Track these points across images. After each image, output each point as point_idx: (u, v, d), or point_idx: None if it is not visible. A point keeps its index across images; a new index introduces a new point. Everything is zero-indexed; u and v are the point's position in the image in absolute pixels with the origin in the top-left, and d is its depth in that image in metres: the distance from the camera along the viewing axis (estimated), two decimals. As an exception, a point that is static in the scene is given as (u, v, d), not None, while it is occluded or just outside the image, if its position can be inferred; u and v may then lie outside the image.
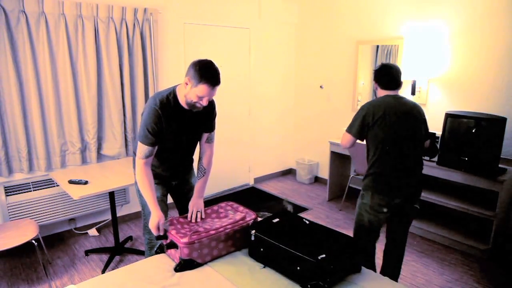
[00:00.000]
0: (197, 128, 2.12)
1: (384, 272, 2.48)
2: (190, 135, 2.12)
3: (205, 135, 2.18)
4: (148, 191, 1.93)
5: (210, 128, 2.17)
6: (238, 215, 2.09)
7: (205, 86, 1.80)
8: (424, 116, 2.31)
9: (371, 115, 2.21)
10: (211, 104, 2.10)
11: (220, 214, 2.14)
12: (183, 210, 2.34)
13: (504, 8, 3.07)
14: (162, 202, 2.23)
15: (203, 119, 2.10)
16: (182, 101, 1.93)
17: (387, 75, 2.29)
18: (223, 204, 2.24)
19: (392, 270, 2.47)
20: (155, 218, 1.88)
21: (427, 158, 3.28)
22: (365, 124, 2.22)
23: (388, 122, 2.18)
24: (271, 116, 4.96)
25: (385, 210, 2.23)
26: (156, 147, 1.97)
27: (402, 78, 2.33)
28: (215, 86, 1.83)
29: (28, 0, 2.78)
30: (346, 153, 4.00)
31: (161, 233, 1.90)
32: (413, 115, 2.23)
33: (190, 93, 1.85)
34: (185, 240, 1.79)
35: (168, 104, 1.92)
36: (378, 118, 2.19)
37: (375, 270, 2.32)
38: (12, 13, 2.76)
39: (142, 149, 1.93)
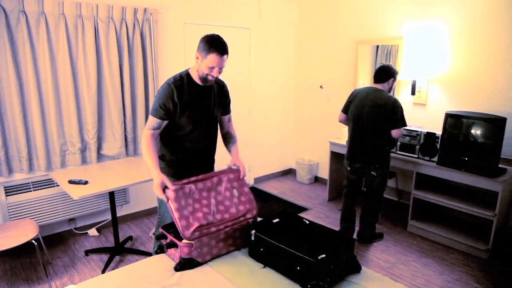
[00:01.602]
0: (214, 108, 2.17)
1: (358, 234, 3.34)
2: (207, 114, 2.15)
3: (226, 118, 2.31)
4: (149, 156, 1.98)
5: (229, 110, 2.31)
6: (240, 205, 2.05)
7: (214, 55, 1.91)
8: (392, 110, 2.86)
9: (350, 97, 3.14)
10: (223, 85, 2.24)
11: (220, 190, 2.05)
12: None
13: (504, 8, 3.07)
14: None
15: (217, 99, 2.18)
16: (195, 77, 2.05)
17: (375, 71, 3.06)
18: (230, 177, 2.11)
19: (361, 229, 3.29)
20: (158, 178, 1.91)
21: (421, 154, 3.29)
22: (347, 103, 3.15)
23: (354, 105, 3.04)
24: (271, 116, 4.96)
25: (348, 168, 3.17)
26: (165, 122, 2.03)
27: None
28: (223, 55, 1.93)
29: (28, 0, 2.79)
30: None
31: (160, 196, 1.90)
32: (376, 106, 2.90)
33: (202, 65, 1.96)
34: (188, 233, 1.79)
35: (181, 80, 2.04)
36: (351, 100, 3.10)
37: (353, 231, 3.34)
38: (12, 13, 2.76)
39: (151, 120, 2.02)
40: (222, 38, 1.96)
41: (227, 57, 1.97)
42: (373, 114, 2.92)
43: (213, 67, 1.94)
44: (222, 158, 2.54)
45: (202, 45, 1.93)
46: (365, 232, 3.27)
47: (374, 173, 3.03)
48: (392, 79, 3.00)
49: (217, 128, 2.28)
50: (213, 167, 2.38)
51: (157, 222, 2.34)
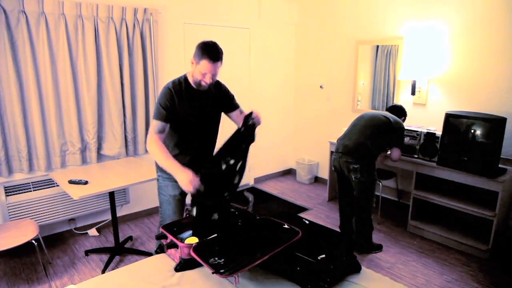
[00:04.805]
0: (211, 109, 2.18)
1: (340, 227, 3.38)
2: (205, 116, 2.17)
3: (236, 113, 2.29)
4: (166, 159, 1.92)
5: (235, 106, 2.31)
6: None
7: (206, 61, 1.92)
8: (397, 128, 2.99)
9: None
10: (220, 86, 2.23)
11: None
12: None
13: (504, 8, 3.07)
14: (179, 202, 2.24)
15: (215, 100, 2.19)
16: (192, 82, 2.07)
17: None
18: None
19: (356, 239, 3.10)
20: (185, 175, 1.81)
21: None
22: None
23: (357, 116, 3.19)
24: (271, 116, 4.96)
25: (333, 168, 3.19)
26: (168, 125, 2.03)
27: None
28: (215, 62, 1.94)
29: (28, 0, 2.79)
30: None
31: (195, 190, 1.83)
32: (381, 118, 2.99)
33: (195, 71, 1.98)
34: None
35: (179, 84, 2.06)
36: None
37: (351, 232, 3.18)
38: (12, 13, 2.76)
39: (156, 124, 2.01)
40: (217, 45, 1.98)
41: (221, 63, 1.99)
42: (374, 120, 3.00)
43: (205, 73, 1.96)
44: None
45: (196, 51, 1.96)
46: (360, 242, 3.11)
47: (353, 176, 2.94)
48: (404, 118, 3.26)
49: (216, 131, 2.30)
50: None
51: (160, 220, 2.34)
